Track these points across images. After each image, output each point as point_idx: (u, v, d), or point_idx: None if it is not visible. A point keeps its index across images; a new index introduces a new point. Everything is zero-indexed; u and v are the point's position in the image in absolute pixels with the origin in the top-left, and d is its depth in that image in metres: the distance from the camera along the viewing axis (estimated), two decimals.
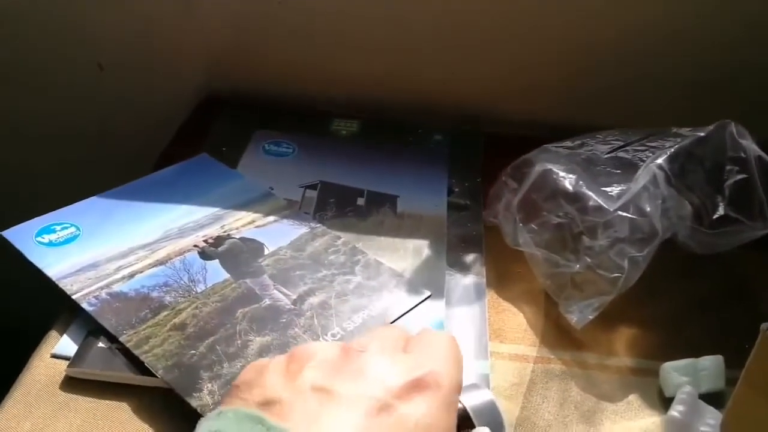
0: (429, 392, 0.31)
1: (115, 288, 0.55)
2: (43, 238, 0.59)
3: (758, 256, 0.61)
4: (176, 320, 0.52)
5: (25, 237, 0.59)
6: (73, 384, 0.49)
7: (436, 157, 0.74)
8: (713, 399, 0.50)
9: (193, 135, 0.78)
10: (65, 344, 0.52)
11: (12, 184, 0.92)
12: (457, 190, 0.69)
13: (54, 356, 0.51)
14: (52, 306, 0.56)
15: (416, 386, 0.31)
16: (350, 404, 0.30)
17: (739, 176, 0.58)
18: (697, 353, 0.53)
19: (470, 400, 0.34)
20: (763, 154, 0.58)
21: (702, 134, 0.60)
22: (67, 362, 0.50)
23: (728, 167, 0.59)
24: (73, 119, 0.89)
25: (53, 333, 0.53)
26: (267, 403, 0.30)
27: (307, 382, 0.31)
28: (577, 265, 0.57)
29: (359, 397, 0.30)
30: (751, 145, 0.58)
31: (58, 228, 0.60)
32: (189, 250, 0.59)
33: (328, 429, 0.28)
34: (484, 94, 0.80)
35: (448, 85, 0.80)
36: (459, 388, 0.33)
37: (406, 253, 0.62)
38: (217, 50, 0.82)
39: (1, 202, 0.90)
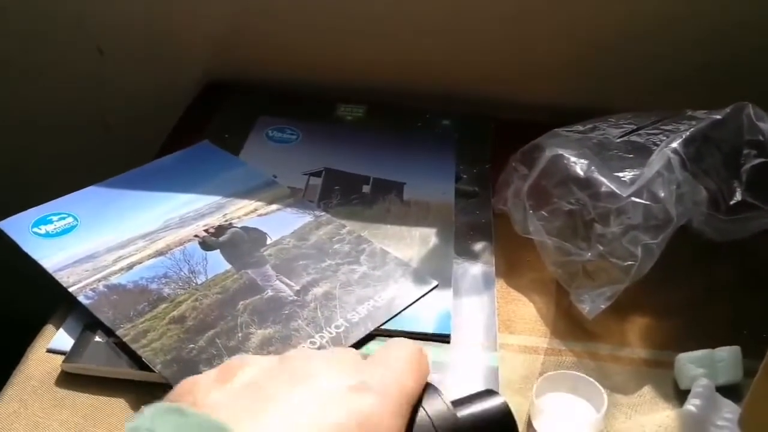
0: (373, 395, 0.29)
1: (113, 280, 0.54)
2: (40, 228, 0.58)
3: None
4: (175, 313, 0.51)
5: (21, 228, 0.58)
6: (69, 379, 0.48)
7: (443, 143, 0.72)
8: (730, 392, 0.48)
9: (195, 121, 0.76)
10: (61, 338, 0.51)
11: (10, 174, 0.91)
12: (465, 176, 0.67)
13: (50, 351, 0.50)
14: (50, 298, 0.55)
15: (358, 389, 0.29)
16: (287, 400, 0.28)
17: (757, 160, 0.56)
18: (713, 344, 0.51)
19: (473, 407, 0.32)
20: None
21: (718, 117, 0.58)
22: (63, 357, 0.49)
23: (745, 151, 0.57)
24: (73, 106, 0.88)
25: (49, 327, 0.52)
26: (195, 405, 0.28)
27: (238, 382, 0.29)
28: (589, 253, 0.55)
29: (296, 394, 0.28)
30: None
31: (55, 218, 0.59)
32: (189, 240, 0.58)
33: (264, 422, 0.26)
34: (492, 78, 0.78)
35: (456, 70, 0.78)
36: (413, 399, 0.31)
37: (412, 242, 0.60)
38: (219, 35, 0.80)
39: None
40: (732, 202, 0.56)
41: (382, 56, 0.79)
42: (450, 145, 0.72)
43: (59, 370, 0.48)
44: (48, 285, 0.54)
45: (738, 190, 0.55)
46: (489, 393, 0.33)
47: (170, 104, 0.80)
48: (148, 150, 0.73)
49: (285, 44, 0.80)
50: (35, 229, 0.58)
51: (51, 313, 0.54)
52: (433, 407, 0.31)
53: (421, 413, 0.31)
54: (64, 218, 0.59)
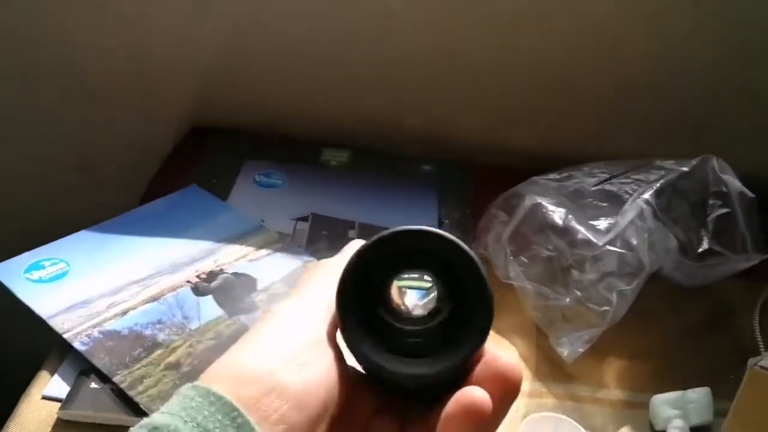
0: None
1: (108, 326, 0.55)
2: (32, 274, 0.59)
3: (743, 287, 0.63)
4: (171, 359, 0.52)
5: (13, 273, 0.58)
6: (66, 427, 0.49)
7: (425, 188, 0.75)
8: None
9: (181, 164, 0.78)
10: (56, 385, 0.51)
11: None
12: (446, 221, 0.70)
13: (45, 398, 0.51)
14: (43, 342, 0.56)
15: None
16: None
17: (722, 210, 0.60)
18: (685, 384, 0.54)
19: None
20: (744, 189, 0.59)
21: (685, 169, 0.61)
22: (59, 404, 0.50)
23: (711, 201, 0.60)
24: (59, 147, 0.88)
25: (43, 373, 0.53)
26: None
27: None
28: (567, 299, 0.58)
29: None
30: (733, 181, 0.59)
31: (47, 264, 0.60)
32: (182, 286, 0.59)
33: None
34: (469, 125, 0.81)
35: (434, 116, 0.81)
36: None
37: None
38: (205, 79, 0.82)
39: None
40: (700, 250, 0.59)
41: (365, 103, 0.81)
42: (431, 191, 0.74)
43: (55, 417, 0.49)
44: (40, 329, 0.55)
45: (705, 238, 0.59)
46: None
47: (155, 147, 0.81)
48: (133, 193, 0.74)
49: (269, 89, 0.82)
50: (27, 275, 0.59)
51: (44, 357, 0.54)
52: None
53: None
54: (56, 264, 0.60)
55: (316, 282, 0.33)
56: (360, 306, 0.30)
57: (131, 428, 0.27)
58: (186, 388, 0.28)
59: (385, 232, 0.30)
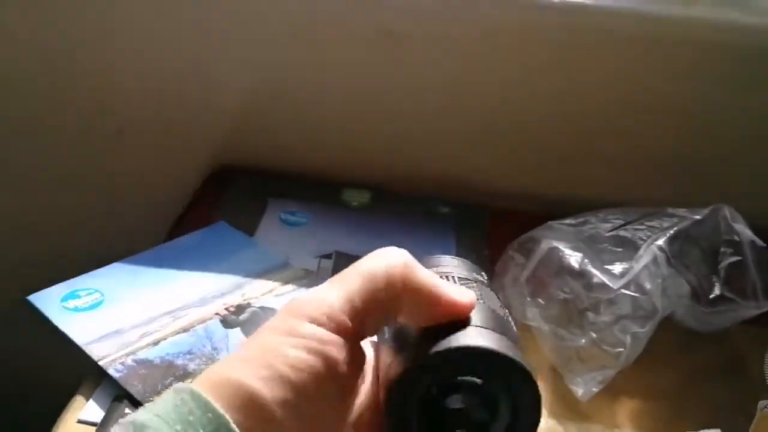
0: None
1: (141, 355, 0.57)
2: (69, 303, 0.61)
3: (753, 333, 0.65)
4: None
5: (51, 302, 0.61)
6: None
7: (443, 230, 0.77)
8: None
9: (206, 203, 0.81)
10: (91, 410, 0.54)
11: (27, 246, 0.94)
12: None
13: (80, 422, 0.53)
14: (72, 368, 0.58)
15: None
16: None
17: (733, 258, 0.62)
18: (696, 425, 0.56)
19: None
20: (755, 238, 0.62)
21: (698, 217, 0.64)
22: (94, 428, 0.52)
23: (723, 249, 0.62)
24: (89, 183, 0.91)
25: (79, 398, 0.55)
26: None
27: None
28: (583, 340, 0.60)
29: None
30: (744, 230, 0.62)
31: (83, 293, 0.63)
32: (211, 318, 0.61)
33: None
34: (487, 171, 0.84)
35: (453, 161, 0.84)
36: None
37: None
38: (231, 120, 0.85)
39: (15, 262, 0.92)
40: (711, 296, 0.61)
41: (385, 145, 0.84)
42: (450, 233, 0.77)
43: None
44: (73, 356, 0.57)
45: (717, 284, 0.61)
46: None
47: (181, 187, 0.84)
48: (159, 231, 0.77)
49: (292, 131, 0.85)
50: (64, 304, 0.61)
51: (77, 383, 0.57)
52: None
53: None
54: (91, 293, 0.63)
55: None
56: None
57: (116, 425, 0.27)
58: (186, 395, 0.27)
59: (444, 348, 0.29)
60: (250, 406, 0.27)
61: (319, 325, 0.29)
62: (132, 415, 0.27)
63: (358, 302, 0.30)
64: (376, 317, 0.31)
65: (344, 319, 0.30)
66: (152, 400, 0.51)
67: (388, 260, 0.32)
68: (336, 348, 0.29)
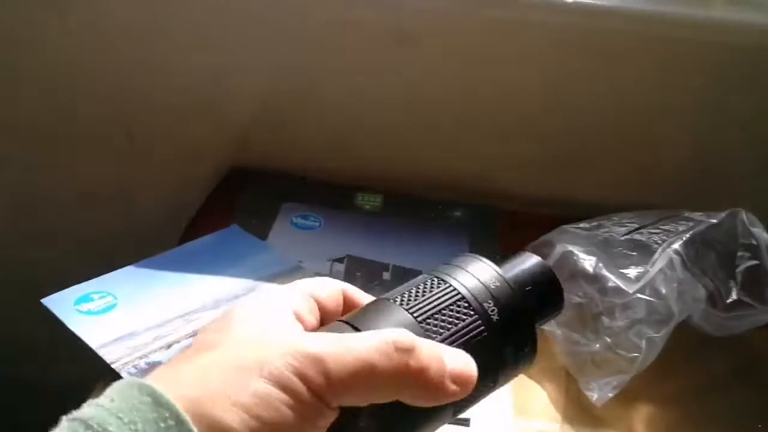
0: None
1: (154, 357, 0.57)
2: (82, 306, 0.61)
3: None
4: None
5: (64, 305, 0.61)
6: None
7: (456, 233, 0.77)
8: None
9: (220, 205, 0.81)
10: None
11: (41, 249, 0.95)
12: None
13: None
14: (81, 371, 0.58)
15: None
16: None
17: (751, 262, 0.61)
18: (712, 431, 0.55)
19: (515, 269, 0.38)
20: None
21: (715, 221, 0.63)
22: None
23: (740, 253, 0.62)
24: (101, 187, 0.92)
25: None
26: None
27: None
28: (597, 344, 0.60)
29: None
30: (762, 233, 0.61)
31: (96, 296, 0.63)
32: None
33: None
34: (499, 173, 0.84)
35: (467, 164, 0.84)
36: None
37: None
38: (244, 124, 0.85)
39: (27, 266, 0.93)
40: (728, 301, 0.60)
41: (398, 149, 0.84)
42: (462, 236, 0.77)
43: None
44: (85, 359, 0.57)
45: (734, 289, 0.60)
46: (525, 255, 0.37)
47: (194, 189, 0.84)
48: (172, 233, 0.77)
49: (305, 134, 0.85)
50: (77, 307, 0.61)
51: (90, 385, 0.56)
52: (482, 273, 0.35)
53: (471, 280, 0.34)
54: (104, 297, 0.63)
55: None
56: None
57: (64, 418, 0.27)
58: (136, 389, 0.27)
59: None
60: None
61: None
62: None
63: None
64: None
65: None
66: None
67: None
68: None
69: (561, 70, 0.76)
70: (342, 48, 0.78)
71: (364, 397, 0.29)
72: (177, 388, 0.27)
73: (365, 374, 0.28)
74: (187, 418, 0.26)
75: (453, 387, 0.30)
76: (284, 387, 0.27)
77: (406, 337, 0.30)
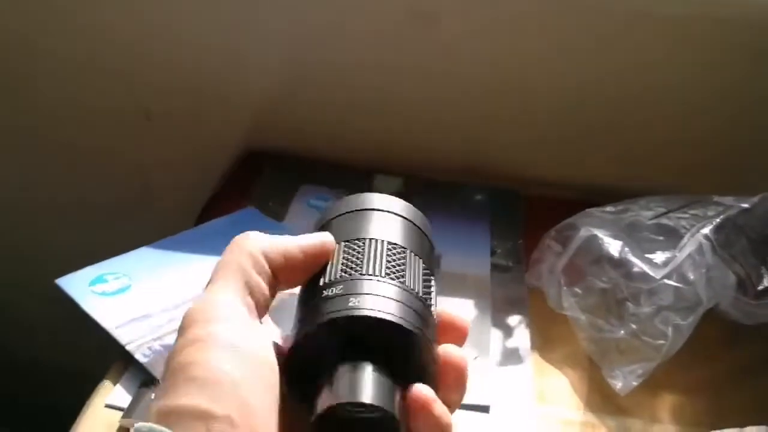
0: None
1: (168, 339, 0.56)
2: (96, 287, 0.61)
3: None
4: None
5: (79, 286, 0.60)
6: None
7: (478, 217, 0.75)
8: None
9: (236, 187, 0.80)
10: (119, 394, 0.53)
11: (56, 230, 0.94)
12: (499, 250, 0.70)
13: (108, 406, 0.52)
14: (101, 352, 0.57)
15: None
16: None
17: None
18: (741, 422, 0.53)
19: None
20: None
21: (746, 206, 0.61)
22: (121, 412, 0.51)
23: None
24: (118, 166, 0.91)
25: (106, 383, 0.54)
26: None
27: None
28: (622, 331, 0.58)
29: None
30: None
31: (110, 278, 0.62)
32: None
33: None
34: (522, 156, 0.82)
35: (489, 147, 0.82)
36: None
37: None
38: (262, 104, 0.84)
39: (42, 247, 0.92)
40: (759, 288, 0.58)
41: (418, 131, 0.83)
42: (484, 220, 0.75)
43: (117, 425, 0.51)
44: (101, 340, 0.57)
45: (765, 276, 0.58)
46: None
47: (211, 170, 0.84)
48: (188, 214, 0.76)
49: (323, 116, 0.84)
50: (92, 288, 0.60)
51: (105, 366, 0.56)
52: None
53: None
54: (119, 278, 0.62)
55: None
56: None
57: None
58: None
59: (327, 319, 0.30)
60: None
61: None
62: None
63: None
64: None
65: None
66: None
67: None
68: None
69: (583, 51, 0.74)
70: (358, 27, 0.76)
71: None
72: None
73: None
74: None
75: None
76: None
77: None
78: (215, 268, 0.34)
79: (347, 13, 0.75)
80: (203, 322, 0.30)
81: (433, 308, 0.33)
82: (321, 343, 0.31)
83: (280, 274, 0.34)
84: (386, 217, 0.36)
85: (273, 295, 0.34)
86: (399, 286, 0.32)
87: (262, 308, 0.33)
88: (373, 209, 0.36)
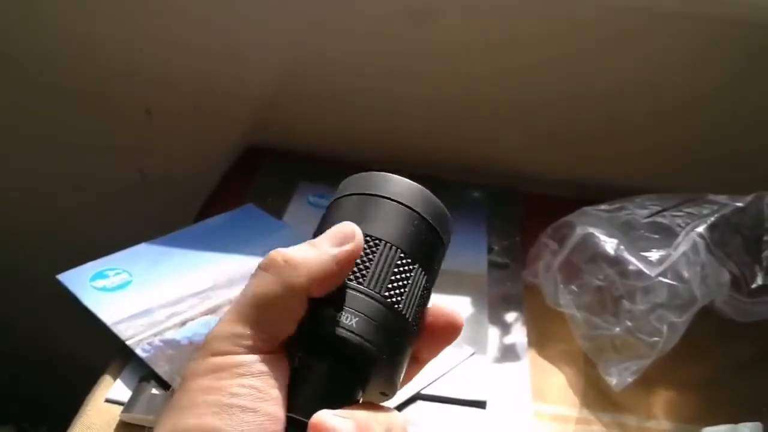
0: None
1: (168, 335, 0.56)
2: (97, 283, 0.61)
3: None
4: None
5: (80, 281, 0.61)
6: (127, 429, 0.51)
7: (475, 215, 0.76)
8: None
9: (236, 183, 0.80)
10: (119, 389, 0.53)
11: (57, 226, 0.95)
12: (496, 248, 0.71)
13: (108, 401, 0.53)
14: (101, 347, 0.58)
15: None
16: None
17: None
18: (734, 418, 0.54)
19: None
20: None
21: (740, 204, 0.62)
22: (121, 407, 0.52)
23: (766, 238, 0.60)
24: (118, 162, 0.92)
25: (106, 377, 0.55)
26: None
27: None
28: (617, 328, 0.59)
29: None
30: None
31: (111, 273, 0.62)
32: None
33: None
34: (519, 154, 0.83)
35: (486, 145, 0.82)
36: None
37: None
38: (261, 102, 0.84)
39: (45, 242, 0.93)
40: (753, 286, 0.59)
41: (417, 130, 0.83)
42: (481, 217, 0.75)
43: (117, 420, 0.51)
44: (101, 335, 0.57)
45: (759, 274, 0.59)
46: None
47: (211, 166, 0.84)
48: (188, 210, 0.77)
49: (323, 113, 0.84)
50: (93, 283, 0.61)
51: (105, 361, 0.56)
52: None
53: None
54: (119, 273, 0.62)
55: None
56: None
57: None
58: None
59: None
60: None
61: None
62: None
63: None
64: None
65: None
66: (178, 381, 0.51)
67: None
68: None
69: (583, 49, 0.74)
70: (358, 24, 0.76)
71: None
72: None
73: None
74: None
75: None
76: None
77: None
78: (250, 284, 0.32)
79: (346, 10, 0.75)
80: (234, 348, 0.30)
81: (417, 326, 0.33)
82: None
83: (315, 289, 0.31)
84: (405, 215, 0.34)
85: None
86: (391, 311, 0.31)
87: (285, 336, 0.31)
88: (394, 200, 0.34)
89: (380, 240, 0.32)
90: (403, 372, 0.32)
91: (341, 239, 0.32)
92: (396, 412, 0.32)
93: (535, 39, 0.74)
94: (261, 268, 0.32)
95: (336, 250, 0.31)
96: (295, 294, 0.30)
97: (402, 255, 0.32)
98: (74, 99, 0.87)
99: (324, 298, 0.31)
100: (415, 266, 0.33)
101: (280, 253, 0.31)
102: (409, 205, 0.34)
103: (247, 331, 0.30)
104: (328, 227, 0.32)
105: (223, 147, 0.86)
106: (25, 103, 0.88)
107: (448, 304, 0.34)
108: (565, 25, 0.73)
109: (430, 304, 0.34)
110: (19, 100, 0.87)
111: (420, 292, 0.32)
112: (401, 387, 0.33)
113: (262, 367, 0.29)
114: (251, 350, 0.30)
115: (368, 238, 0.32)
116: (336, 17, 0.76)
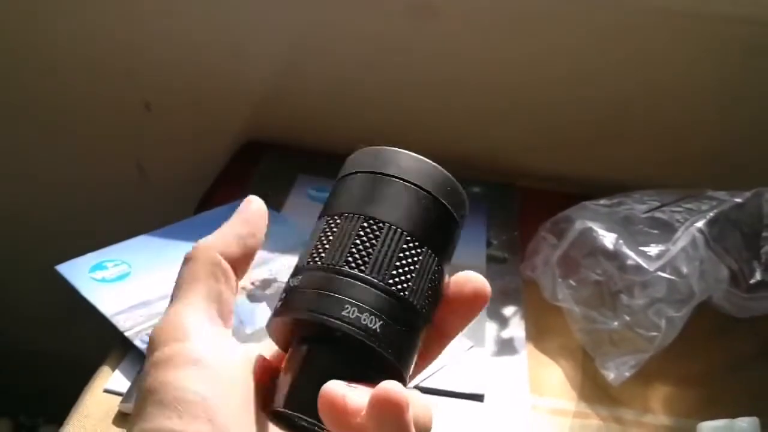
0: None
1: None
2: (96, 274, 0.61)
3: None
4: None
5: (79, 272, 0.61)
6: (125, 419, 0.51)
7: (474, 209, 0.75)
8: None
9: (235, 177, 0.80)
10: (117, 380, 0.53)
11: (56, 217, 0.95)
12: (495, 242, 0.71)
13: (107, 391, 0.53)
14: (100, 338, 0.58)
15: None
16: None
17: None
18: (732, 413, 0.54)
19: None
20: None
21: (739, 200, 0.62)
22: (120, 397, 0.52)
23: (765, 234, 0.60)
24: (118, 156, 0.92)
25: (105, 368, 0.55)
26: None
27: None
28: (615, 323, 0.59)
29: None
30: None
31: (110, 265, 0.62)
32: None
33: None
34: (518, 149, 0.83)
35: (485, 140, 0.82)
36: None
37: None
38: (261, 96, 0.84)
39: (43, 235, 0.93)
40: (752, 281, 0.59)
41: (416, 123, 0.83)
42: (480, 212, 0.75)
43: (116, 410, 0.51)
44: (100, 326, 0.57)
45: (758, 270, 0.59)
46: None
47: (210, 160, 0.84)
48: (187, 203, 0.77)
49: (322, 106, 0.84)
50: (92, 275, 0.61)
51: (103, 352, 0.57)
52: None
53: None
54: (118, 265, 0.62)
55: None
56: None
57: None
58: None
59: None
60: None
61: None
62: None
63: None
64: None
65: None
66: None
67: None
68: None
69: (581, 45, 0.74)
70: (358, 17, 0.76)
71: None
72: None
73: None
74: None
75: None
76: None
77: None
78: (174, 286, 0.32)
79: (346, 6, 0.75)
80: (171, 341, 0.29)
81: (430, 312, 0.30)
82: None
83: (239, 266, 0.33)
84: (411, 194, 0.31)
85: (236, 293, 0.33)
86: (396, 300, 0.29)
87: (228, 312, 0.32)
88: (399, 178, 0.32)
89: (383, 222, 0.30)
90: (413, 363, 0.30)
91: (242, 208, 0.35)
92: (417, 391, 0.29)
93: (534, 36, 0.75)
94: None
95: (244, 223, 0.34)
96: (222, 260, 0.33)
97: (408, 238, 0.30)
98: (74, 93, 0.87)
99: (322, 289, 0.29)
100: (424, 249, 0.30)
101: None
102: (416, 182, 0.31)
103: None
104: (330, 208, 0.32)
105: (223, 141, 0.86)
106: (24, 96, 0.87)
107: (471, 272, 0.32)
108: (564, 22, 0.73)
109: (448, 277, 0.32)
110: (18, 94, 0.87)
111: (430, 276, 0.30)
112: (421, 371, 0.31)
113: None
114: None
115: (371, 221, 0.30)
116: (336, 13, 0.76)
